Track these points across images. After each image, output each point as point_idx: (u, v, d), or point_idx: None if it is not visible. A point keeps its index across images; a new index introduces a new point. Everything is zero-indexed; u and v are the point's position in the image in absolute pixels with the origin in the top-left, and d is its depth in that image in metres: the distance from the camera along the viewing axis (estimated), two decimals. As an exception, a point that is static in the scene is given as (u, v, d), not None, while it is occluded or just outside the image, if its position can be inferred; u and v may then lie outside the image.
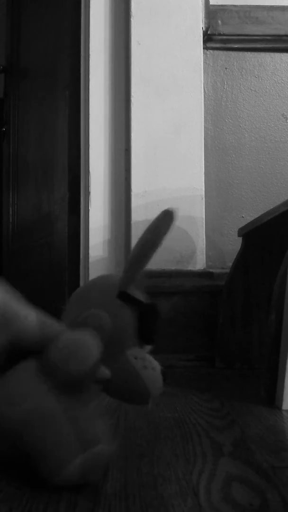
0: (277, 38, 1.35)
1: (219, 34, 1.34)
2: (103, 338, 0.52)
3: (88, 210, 1.33)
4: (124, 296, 0.54)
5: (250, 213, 1.33)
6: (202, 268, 1.27)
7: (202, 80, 1.31)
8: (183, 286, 1.21)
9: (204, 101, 1.33)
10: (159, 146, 1.28)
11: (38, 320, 0.53)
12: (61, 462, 0.47)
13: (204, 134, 1.31)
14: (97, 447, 0.49)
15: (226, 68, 1.38)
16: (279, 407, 0.79)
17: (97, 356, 0.50)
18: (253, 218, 1.09)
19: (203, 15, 1.31)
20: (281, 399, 0.79)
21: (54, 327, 0.53)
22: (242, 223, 1.22)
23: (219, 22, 1.33)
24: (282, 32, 1.34)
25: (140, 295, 0.56)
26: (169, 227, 0.54)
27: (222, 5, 1.34)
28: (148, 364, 0.54)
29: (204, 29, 1.31)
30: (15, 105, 1.92)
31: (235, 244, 1.21)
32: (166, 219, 0.54)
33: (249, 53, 1.38)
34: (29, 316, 0.52)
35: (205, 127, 1.33)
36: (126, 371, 0.54)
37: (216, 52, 1.37)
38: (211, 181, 1.34)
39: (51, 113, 1.62)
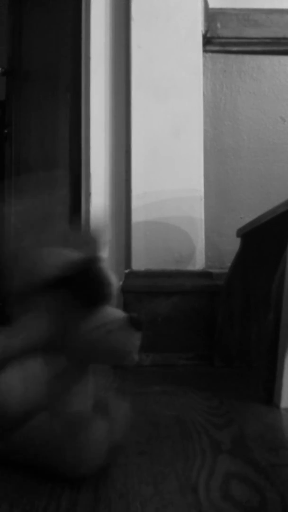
0: (276, 41, 1.35)
1: (218, 37, 1.34)
2: (36, 344, 0.52)
3: (89, 210, 1.34)
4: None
5: (249, 214, 1.34)
6: (202, 268, 1.28)
7: (202, 83, 1.32)
8: (183, 285, 1.22)
9: (204, 103, 1.34)
10: (159, 148, 1.29)
11: None
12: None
13: (203, 136, 1.32)
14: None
15: (225, 71, 1.39)
16: (277, 405, 0.80)
17: (17, 408, 0.50)
18: (251, 219, 1.10)
19: (203, 18, 1.32)
20: (279, 397, 0.80)
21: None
22: (240, 224, 1.23)
23: (218, 25, 1.33)
24: (280, 35, 1.34)
25: (59, 262, 0.54)
26: None
27: (221, 9, 1.35)
28: (111, 327, 0.52)
29: (203, 32, 1.32)
30: (17, 107, 1.92)
31: (234, 244, 1.22)
32: None
33: (247, 56, 1.38)
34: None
35: (204, 129, 1.33)
36: (89, 349, 0.52)
37: (215, 55, 1.38)
38: (210, 182, 1.35)
39: (53, 115, 1.63)
